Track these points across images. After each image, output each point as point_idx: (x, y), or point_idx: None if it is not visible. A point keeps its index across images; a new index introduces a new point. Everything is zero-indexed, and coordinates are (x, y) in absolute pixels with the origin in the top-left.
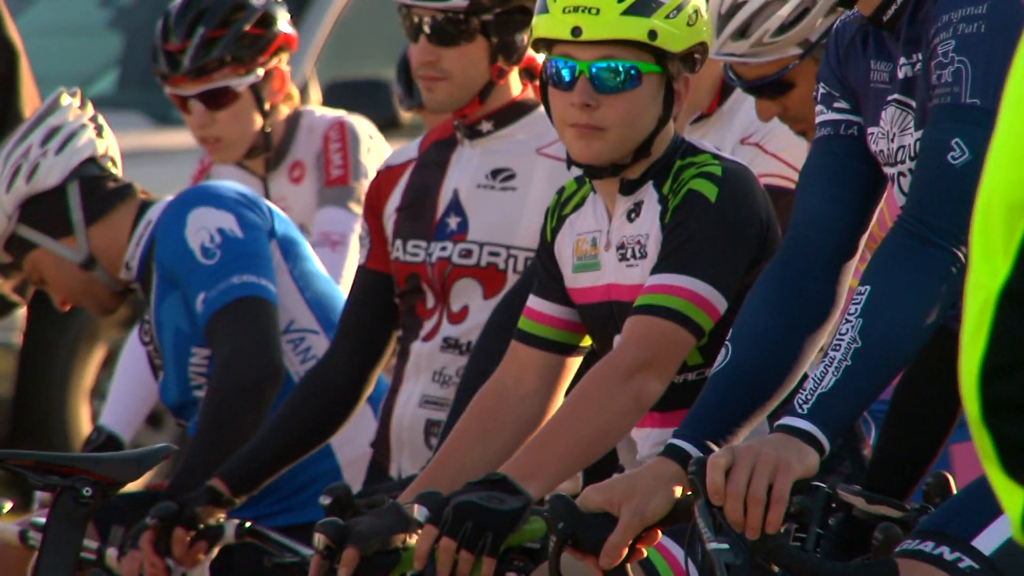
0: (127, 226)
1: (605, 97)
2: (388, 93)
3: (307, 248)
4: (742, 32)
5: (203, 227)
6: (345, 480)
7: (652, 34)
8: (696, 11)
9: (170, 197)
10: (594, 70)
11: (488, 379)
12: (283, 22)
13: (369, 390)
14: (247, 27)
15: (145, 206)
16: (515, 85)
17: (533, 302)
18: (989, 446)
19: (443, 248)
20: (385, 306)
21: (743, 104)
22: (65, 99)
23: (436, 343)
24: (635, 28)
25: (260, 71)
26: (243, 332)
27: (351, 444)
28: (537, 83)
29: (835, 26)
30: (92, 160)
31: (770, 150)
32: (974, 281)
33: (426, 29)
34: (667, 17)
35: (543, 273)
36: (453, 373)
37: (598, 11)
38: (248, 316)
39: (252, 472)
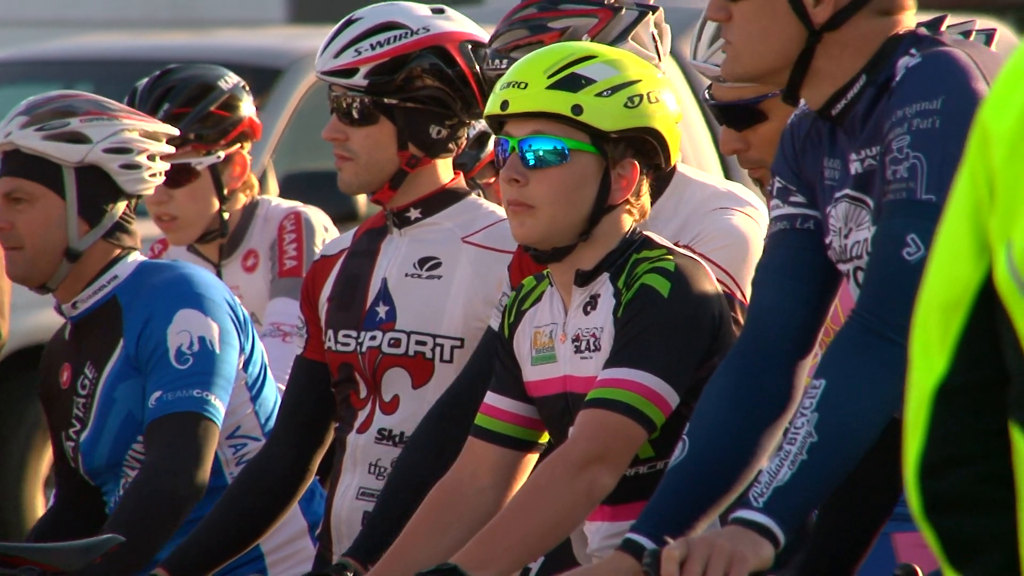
0: (97, 264)
1: (533, 173)
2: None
3: (263, 354)
4: None
5: (187, 330)
6: (268, 569)
7: (576, 108)
8: (644, 96)
9: (147, 261)
10: (523, 145)
11: (421, 472)
12: (248, 108)
13: (310, 478)
14: (212, 108)
15: (119, 258)
16: (444, 173)
17: (490, 398)
18: (934, 541)
19: (373, 337)
20: (324, 395)
21: (674, 210)
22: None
23: (371, 435)
24: (559, 102)
25: (221, 153)
26: (180, 446)
27: (275, 533)
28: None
29: (791, 120)
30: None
31: (699, 251)
32: (913, 378)
33: (340, 108)
34: (598, 95)
35: (501, 369)
36: (388, 465)
37: (526, 85)
38: (189, 432)
39: (197, 561)
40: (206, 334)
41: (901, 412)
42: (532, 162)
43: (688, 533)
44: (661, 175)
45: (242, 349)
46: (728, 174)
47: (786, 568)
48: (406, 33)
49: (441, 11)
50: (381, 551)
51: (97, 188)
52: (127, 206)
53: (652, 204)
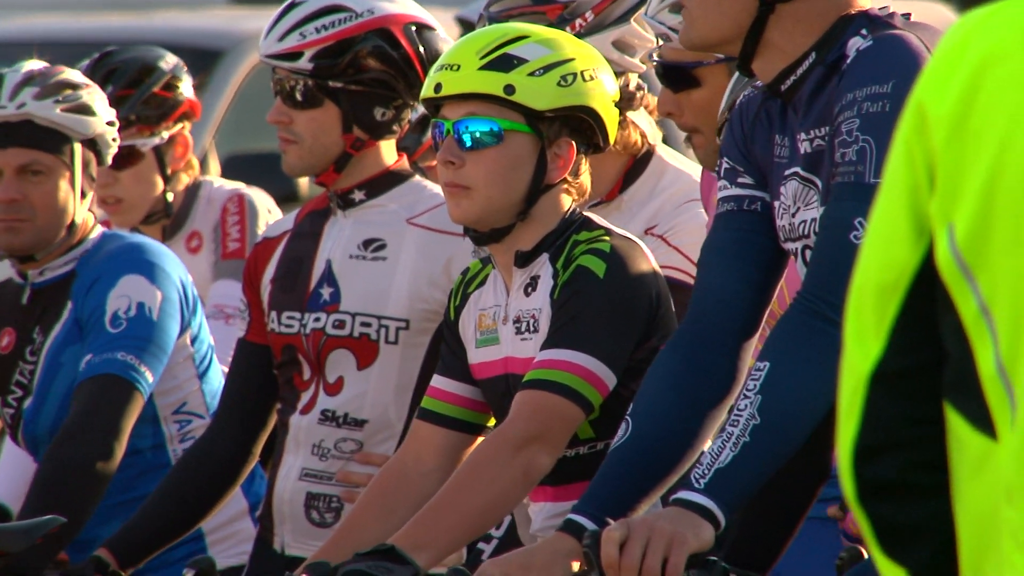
0: (77, 235)
1: (469, 154)
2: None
3: (209, 336)
4: (679, 8)
5: (127, 295)
6: (209, 549)
7: (509, 88)
8: (578, 74)
9: (108, 231)
10: (458, 127)
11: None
12: (188, 89)
13: (253, 461)
14: (155, 89)
15: (91, 229)
16: (388, 155)
17: (437, 381)
18: (867, 527)
19: (317, 319)
20: (266, 378)
21: (650, 195)
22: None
23: (314, 416)
24: (491, 83)
25: (165, 134)
26: (93, 409)
27: (215, 514)
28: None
29: (740, 100)
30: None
31: (673, 243)
32: (847, 363)
33: (283, 91)
34: (531, 74)
35: (447, 352)
36: (331, 446)
37: (459, 67)
38: (106, 395)
39: (139, 543)
40: (146, 300)
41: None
42: (468, 144)
43: (629, 514)
44: (632, 152)
45: (188, 324)
46: None
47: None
48: (351, 16)
49: None
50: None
51: (90, 160)
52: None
53: (629, 187)
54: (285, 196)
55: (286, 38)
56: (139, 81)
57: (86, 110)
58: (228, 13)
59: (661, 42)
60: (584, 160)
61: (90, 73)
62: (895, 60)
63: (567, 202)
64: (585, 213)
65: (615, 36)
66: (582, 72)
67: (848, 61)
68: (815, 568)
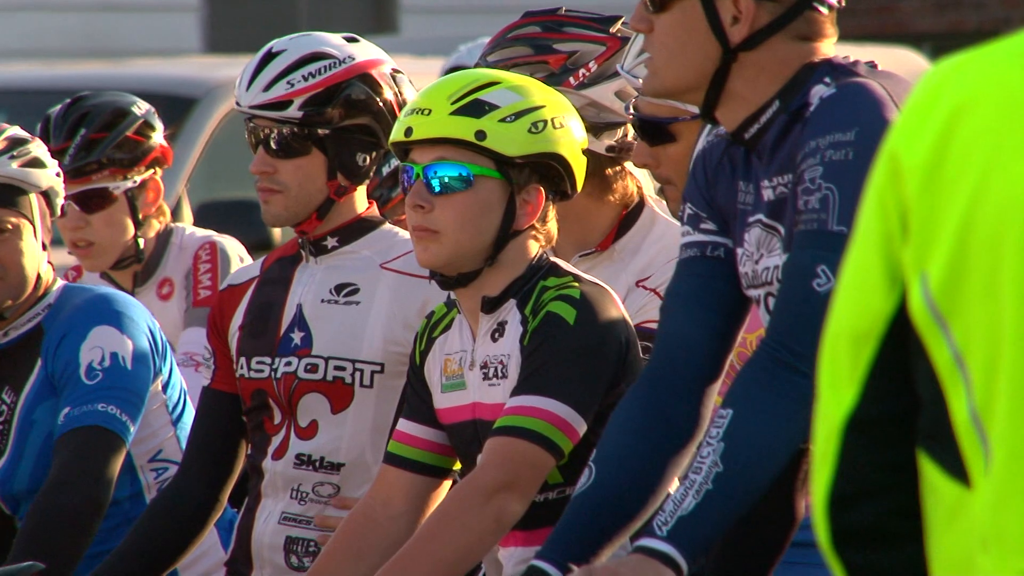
0: (38, 291)
1: (438, 199)
2: (260, 213)
3: (181, 382)
4: None
5: (99, 346)
6: None
7: (480, 134)
8: (548, 122)
9: (70, 284)
10: (428, 172)
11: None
12: (160, 135)
13: (220, 509)
14: (128, 133)
15: (50, 285)
16: (360, 202)
17: (403, 425)
18: (842, 573)
19: (288, 363)
20: (233, 425)
21: (641, 245)
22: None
23: (288, 460)
24: (462, 128)
25: (137, 178)
26: (79, 459)
27: (195, 565)
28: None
29: (702, 147)
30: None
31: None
32: (821, 410)
33: (267, 141)
34: (502, 120)
35: (413, 396)
36: (310, 490)
37: (429, 111)
38: (91, 445)
39: None
40: (119, 350)
41: (807, 443)
42: (437, 188)
43: (593, 560)
44: (575, 198)
45: (159, 371)
46: None
47: None
48: (334, 63)
49: (355, 39)
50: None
51: (45, 213)
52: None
53: (621, 237)
54: (257, 243)
55: (273, 87)
56: (112, 125)
57: (38, 163)
58: (201, 61)
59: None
60: (552, 207)
61: (62, 117)
62: (858, 108)
63: (534, 248)
64: (552, 259)
65: (617, 87)
66: (552, 119)
67: (811, 109)
68: None
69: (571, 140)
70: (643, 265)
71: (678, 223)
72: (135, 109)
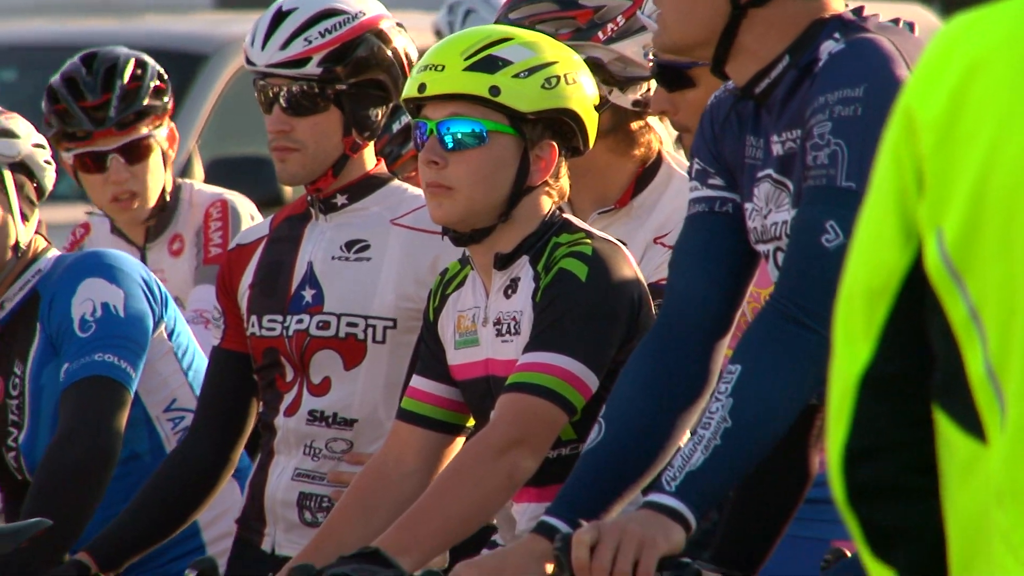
0: (24, 261)
1: (452, 155)
2: (271, 170)
3: (190, 333)
4: None
5: (89, 298)
6: (206, 546)
7: (494, 90)
8: (561, 77)
9: (63, 253)
10: (441, 128)
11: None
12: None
13: (232, 467)
14: (156, 82)
15: (41, 253)
16: (369, 159)
17: (416, 381)
18: (856, 529)
19: (299, 321)
20: (243, 384)
21: (659, 202)
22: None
23: (301, 417)
24: (477, 83)
25: (166, 127)
26: (82, 411)
27: (217, 523)
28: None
29: (710, 102)
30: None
31: None
32: (836, 366)
33: (280, 100)
34: (515, 76)
35: (426, 352)
36: (323, 446)
37: (443, 68)
38: (92, 395)
39: (118, 548)
40: (110, 300)
41: (819, 398)
42: (451, 144)
43: (602, 516)
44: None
45: (161, 318)
46: None
47: (707, 551)
48: (348, 19)
49: None
50: None
51: (26, 184)
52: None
53: (638, 195)
54: (268, 200)
55: (290, 45)
56: (138, 76)
57: (6, 133)
58: (211, 17)
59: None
60: (564, 163)
61: (89, 73)
62: (867, 64)
63: (547, 204)
64: (565, 216)
65: (644, 41)
66: (565, 75)
67: (820, 64)
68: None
69: (583, 96)
70: (661, 222)
71: None
72: (147, 59)
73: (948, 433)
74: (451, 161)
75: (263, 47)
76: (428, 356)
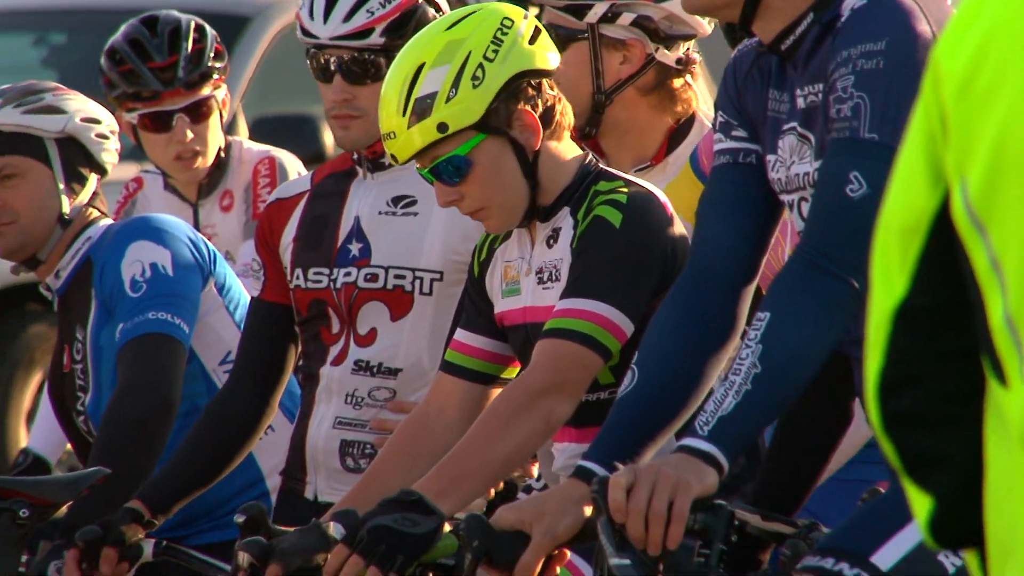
0: (76, 230)
1: (460, 186)
2: (314, 127)
3: (240, 286)
4: None
5: (138, 260)
6: (269, 494)
7: (442, 127)
8: (480, 63)
9: (112, 221)
10: (434, 174)
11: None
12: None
13: (272, 414)
14: (217, 45)
15: (91, 222)
16: None
17: (459, 334)
18: (894, 455)
19: (347, 273)
20: (282, 335)
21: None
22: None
23: (347, 366)
24: (425, 133)
25: (224, 87)
26: (140, 367)
27: (278, 472)
28: None
29: (733, 56)
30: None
31: None
32: (873, 300)
33: (341, 69)
34: (448, 100)
35: (470, 306)
36: (365, 394)
37: (394, 134)
38: (149, 351)
39: (167, 494)
40: (158, 260)
41: (844, 348)
42: (453, 179)
43: (637, 459)
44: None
45: (210, 274)
46: None
47: (736, 495)
48: None
49: None
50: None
51: (76, 157)
52: (98, 179)
53: (672, 151)
54: (310, 157)
55: (353, 17)
56: (202, 38)
57: (51, 110)
58: None
59: None
60: (550, 99)
61: (153, 35)
62: (889, 19)
63: (566, 147)
64: (601, 166)
65: None
66: (482, 55)
67: (843, 20)
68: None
69: (511, 54)
70: None
71: None
72: (204, 24)
73: (987, 374)
74: (463, 189)
75: (325, 20)
76: (472, 310)
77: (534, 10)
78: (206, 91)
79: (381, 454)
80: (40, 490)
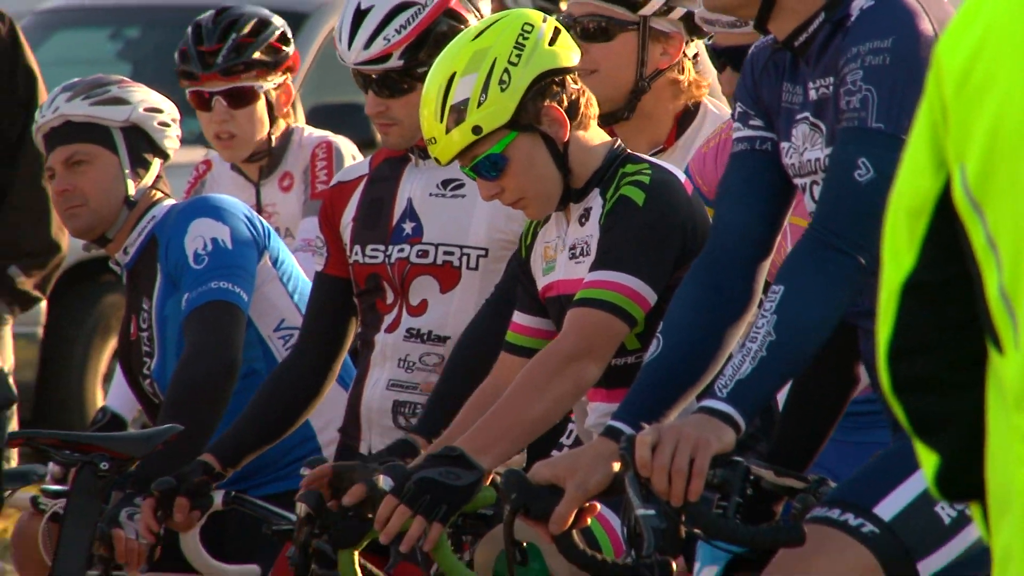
0: (141, 210)
1: (500, 180)
2: (365, 115)
3: (293, 260)
4: None
5: (200, 235)
6: (323, 448)
7: (476, 129)
8: (506, 68)
9: (175, 201)
10: (475, 171)
11: (472, 364)
12: (292, 46)
13: (332, 379)
14: (271, 40)
15: (155, 203)
16: None
17: (516, 316)
18: (903, 416)
19: (401, 250)
20: (343, 305)
21: (695, 140)
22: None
23: (399, 334)
24: (462, 137)
25: (275, 81)
26: (205, 332)
27: (328, 429)
28: None
29: (751, 52)
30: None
31: None
32: (884, 275)
33: (373, 85)
34: (480, 105)
35: (522, 289)
36: (416, 359)
37: (435, 139)
38: (213, 317)
39: (237, 449)
40: (218, 235)
41: (851, 318)
42: (492, 174)
43: (662, 419)
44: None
45: (265, 248)
46: None
47: (751, 452)
48: (419, 9)
49: None
50: (441, 430)
51: (140, 144)
52: (161, 164)
53: (682, 135)
54: (362, 142)
55: (372, 45)
56: (258, 32)
57: (117, 101)
58: None
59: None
60: (574, 92)
61: (213, 23)
62: (894, 19)
63: (594, 135)
64: (628, 151)
65: None
66: (507, 62)
67: (852, 19)
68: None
69: (534, 56)
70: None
71: (726, 110)
72: (275, 20)
73: (988, 343)
74: (503, 183)
75: (349, 47)
76: (523, 292)
77: (563, 4)
78: (247, 81)
79: (454, 423)
80: (118, 445)
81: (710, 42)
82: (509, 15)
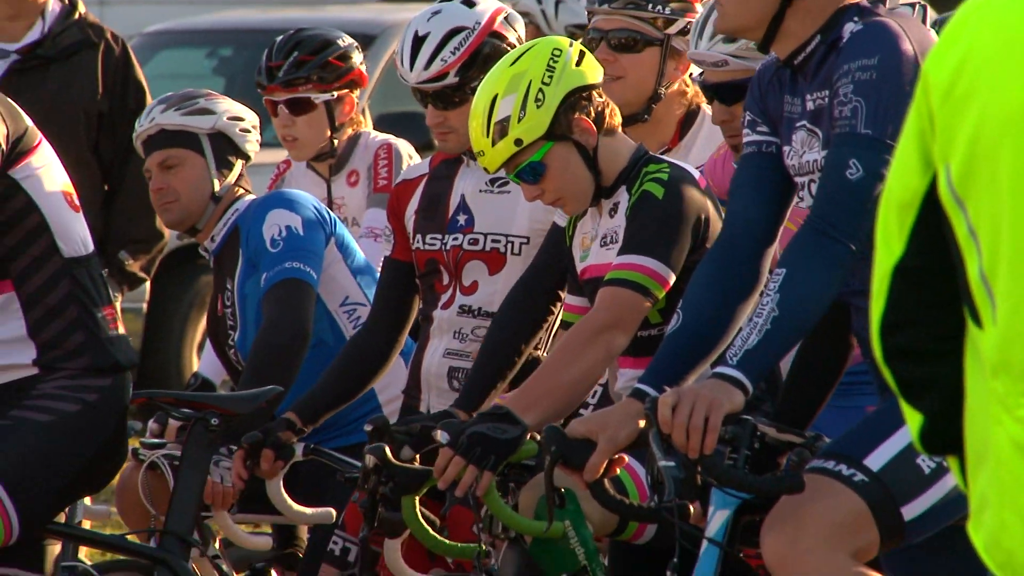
0: (227, 205)
1: (540, 184)
2: (423, 123)
3: (356, 245)
4: (732, 40)
5: (276, 224)
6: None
7: (518, 142)
8: (540, 87)
9: (254, 196)
10: (520, 177)
11: (508, 339)
12: (358, 61)
13: (399, 348)
14: (330, 58)
15: (238, 198)
16: None
17: (567, 298)
18: (892, 381)
19: (455, 239)
20: (408, 286)
21: (695, 141)
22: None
23: (454, 310)
24: (506, 149)
25: (334, 93)
26: (281, 305)
27: (388, 390)
28: None
29: (758, 69)
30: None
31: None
32: (877, 260)
33: (431, 99)
34: (520, 121)
35: (569, 275)
36: (469, 331)
37: (483, 152)
38: (288, 293)
39: (316, 408)
40: (291, 223)
41: (845, 297)
42: (533, 179)
43: (681, 384)
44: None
45: (332, 234)
46: None
47: (757, 412)
48: (470, 32)
49: (472, 3)
50: (481, 403)
51: (225, 148)
52: (243, 164)
53: (682, 139)
54: (422, 145)
55: (431, 66)
56: (319, 51)
57: (204, 111)
58: (378, 7)
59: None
60: (599, 105)
61: (283, 43)
62: (880, 40)
63: (618, 141)
64: (650, 153)
65: None
66: (542, 81)
67: (844, 41)
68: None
69: (560, 80)
70: (700, 156)
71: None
72: (340, 41)
73: (967, 317)
74: (542, 187)
75: (411, 68)
76: (570, 278)
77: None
78: (305, 92)
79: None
80: (227, 403)
81: (700, 78)
82: (540, 43)
